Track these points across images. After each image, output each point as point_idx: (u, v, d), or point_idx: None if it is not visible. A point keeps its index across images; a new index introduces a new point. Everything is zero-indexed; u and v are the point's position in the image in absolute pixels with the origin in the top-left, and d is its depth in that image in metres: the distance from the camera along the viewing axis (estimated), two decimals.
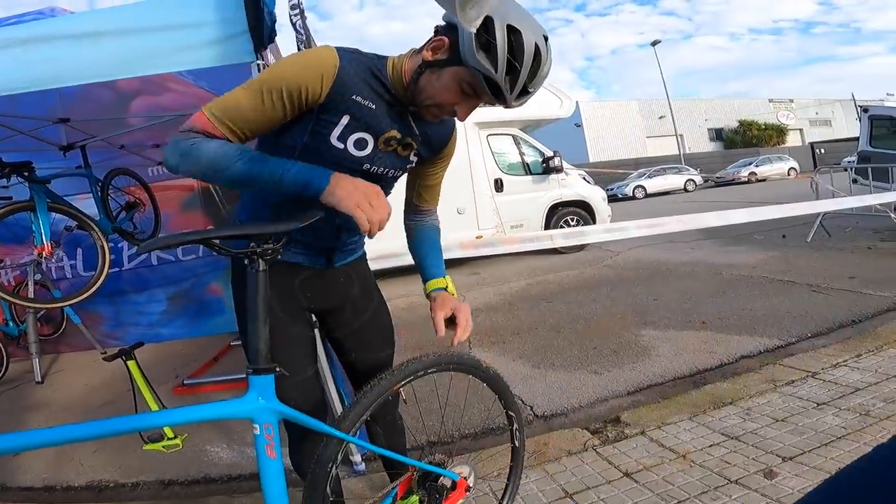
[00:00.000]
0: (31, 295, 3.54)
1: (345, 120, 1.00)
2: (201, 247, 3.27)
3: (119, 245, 3.25)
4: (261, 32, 1.55)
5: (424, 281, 1.29)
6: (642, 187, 21.29)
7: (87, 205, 2.81)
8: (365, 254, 1.34)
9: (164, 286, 3.31)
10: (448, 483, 1.25)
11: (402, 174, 1.19)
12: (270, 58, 1.80)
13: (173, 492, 2.16)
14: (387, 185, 1.16)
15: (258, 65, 1.62)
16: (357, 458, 1.98)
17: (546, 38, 0.96)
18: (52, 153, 2.73)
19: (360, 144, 1.03)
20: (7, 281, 4.04)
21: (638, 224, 3.57)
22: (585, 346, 3.27)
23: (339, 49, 0.98)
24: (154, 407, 2.35)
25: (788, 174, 21.58)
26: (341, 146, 1.02)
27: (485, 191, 6.78)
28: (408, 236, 1.35)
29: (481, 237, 6.64)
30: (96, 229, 2.64)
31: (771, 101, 37.87)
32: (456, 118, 1.06)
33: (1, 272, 3.93)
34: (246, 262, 0.92)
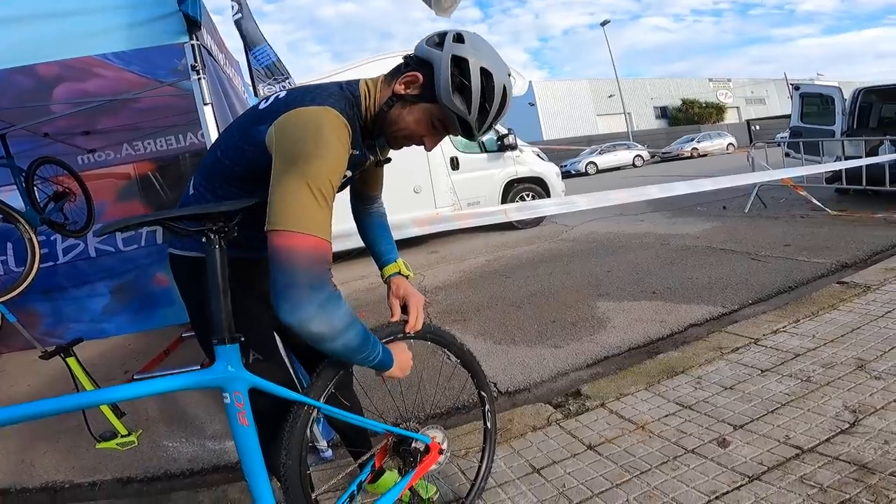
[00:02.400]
0: None
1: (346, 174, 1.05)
2: (143, 236, 3.01)
3: (52, 237, 2.95)
4: (195, 11, 1.48)
5: (380, 267, 1.34)
6: (594, 163, 21.78)
7: (11, 197, 2.51)
8: None
9: (106, 279, 3.04)
10: (421, 447, 1.25)
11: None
12: (207, 39, 1.69)
13: (133, 489, 2.05)
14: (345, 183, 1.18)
15: (193, 45, 1.54)
16: (323, 443, 1.91)
17: (509, 75, 1.04)
18: None
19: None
20: None
21: (587, 198, 3.64)
22: (545, 319, 3.30)
23: (337, 109, 0.94)
24: (105, 408, 2.18)
25: (727, 149, 22.63)
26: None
27: (441, 169, 6.68)
28: (357, 223, 1.37)
29: (439, 215, 6.60)
30: (22, 221, 2.37)
31: (711, 80, 39.44)
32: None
33: None
34: (203, 240, 0.92)
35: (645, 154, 22.07)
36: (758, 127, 27.91)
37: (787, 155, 7.12)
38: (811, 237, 4.58)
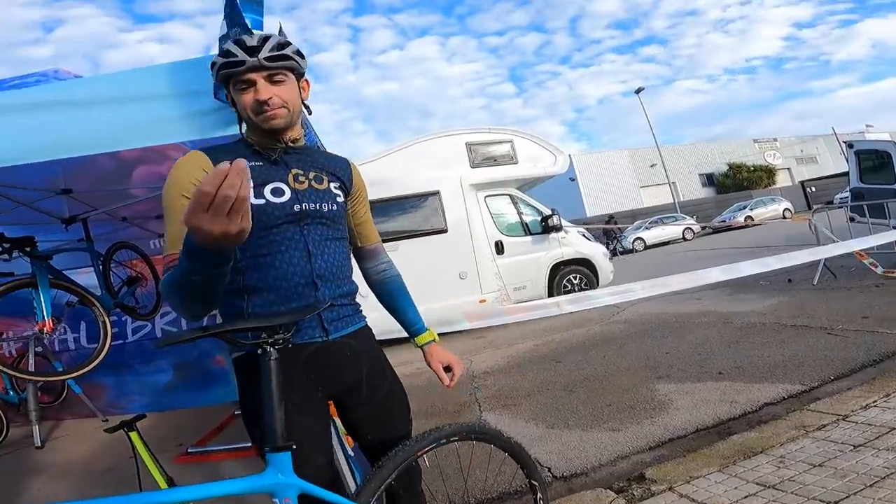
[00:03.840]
0: (31, 368, 3.62)
1: (265, 185, 1.15)
2: (205, 319, 3.30)
3: (123, 318, 3.30)
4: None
5: (412, 335, 1.43)
6: (641, 239, 21.60)
7: (88, 278, 2.86)
8: (368, 327, 1.32)
9: (169, 357, 3.33)
10: None
11: (338, 209, 1.24)
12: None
13: None
14: (332, 223, 1.22)
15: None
16: None
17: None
18: (54, 226, 2.81)
19: (278, 192, 1.15)
20: (8, 353, 4.11)
21: (644, 285, 3.65)
22: (599, 403, 3.22)
23: (203, 149, 1.16)
24: (159, 478, 2.29)
25: (784, 215, 22.06)
26: (263, 201, 1.12)
27: (486, 254, 6.83)
28: (374, 291, 1.43)
29: (485, 301, 6.68)
30: (98, 305, 2.68)
31: (756, 141, 39.15)
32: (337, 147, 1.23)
33: (2, 344, 3.98)
34: (259, 352, 1.00)
35: (695, 226, 21.81)
36: (814, 189, 27.33)
37: (852, 219, 6.90)
38: (890, 307, 4.34)
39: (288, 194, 1.16)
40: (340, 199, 1.25)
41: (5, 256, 2.71)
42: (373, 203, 5.97)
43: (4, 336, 4.09)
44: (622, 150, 36.45)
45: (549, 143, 7.51)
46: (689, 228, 22.04)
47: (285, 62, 1.14)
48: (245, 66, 1.10)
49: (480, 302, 6.65)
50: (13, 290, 2.74)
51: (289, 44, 1.16)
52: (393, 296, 1.40)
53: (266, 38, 1.13)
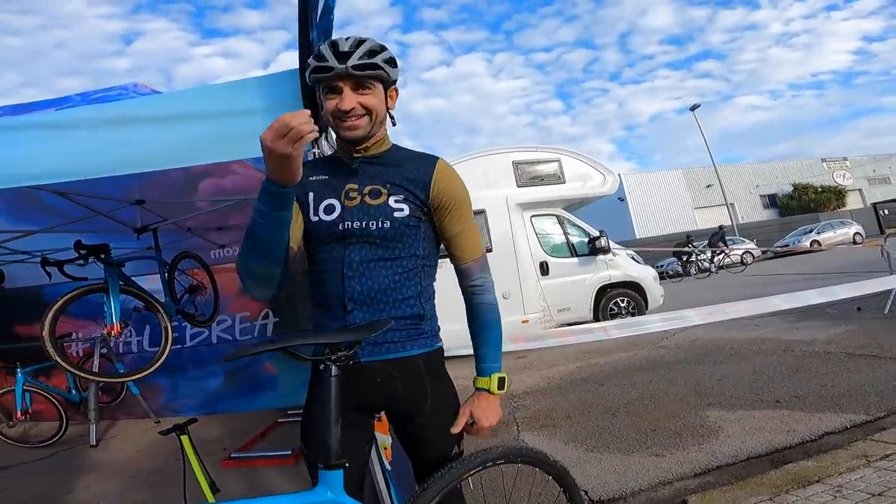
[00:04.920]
0: (95, 368, 3.90)
1: (310, 197, 1.20)
2: (256, 328, 3.53)
3: (183, 323, 3.55)
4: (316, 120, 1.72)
5: (476, 372, 1.31)
6: (672, 267, 20.82)
7: (153, 284, 3.12)
8: (426, 356, 1.23)
9: (222, 363, 3.56)
10: None
11: (396, 225, 1.17)
12: (325, 146, 1.89)
13: None
14: (384, 241, 1.17)
15: (314, 153, 1.70)
16: None
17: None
18: (127, 234, 3.09)
19: (329, 210, 1.18)
20: (76, 353, 4.45)
21: (699, 311, 3.54)
22: (643, 428, 3.16)
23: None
24: (204, 484, 2.41)
25: (854, 240, 20.62)
26: (317, 219, 1.18)
27: (530, 275, 6.82)
28: (466, 311, 1.31)
29: (528, 321, 6.64)
30: (162, 311, 2.92)
31: (824, 160, 37.01)
32: (436, 162, 1.23)
33: (71, 344, 4.33)
34: (321, 367, 1.03)
35: (755, 250, 20.76)
36: (886, 211, 25.43)
37: None
38: None
39: (337, 212, 1.17)
40: (402, 214, 1.17)
41: (81, 262, 3.01)
42: None
43: (73, 336, 4.45)
44: (675, 169, 35.37)
45: (598, 163, 7.44)
46: (749, 252, 21.01)
47: (374, 71, 1.12)
48: (333, 72, 1.10)
49: (523, 322, 6.63)
50: (87, 294, 3.03)
51: (382, 50, 1.15)
52: (474, 323, 1.29)
53: (360, 43, 1.13)
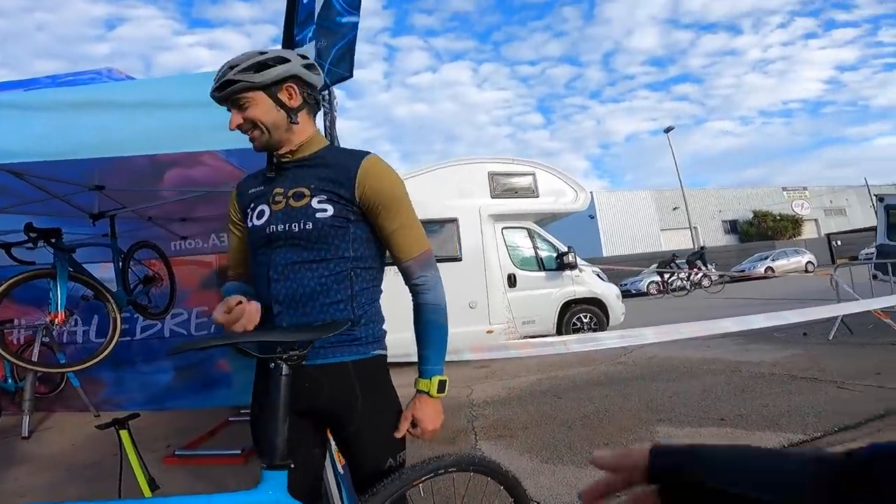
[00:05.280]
0: (34, 357, 3.73)
1: (250, 206, 1.25)
2: (213, 324, 3.43)
3: (134, 315, 3.43)
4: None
5: (418, 371, 1.26)
6: (656, 283, 21.50)
7: (107, 273, 3.02)
8: (355, 364, 1.18)
9: (173, 357, 3.45)
10: None
11: (320, 225, 1.15)
12: (320, 122, 1.98)
13: None
14: (309, 243, 1.15)
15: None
16: None
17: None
18: (82, 220, 2.98)
19: (260, 215, 1.21)
20: (16, 339, 4.25)
21: (655, 330, 3.67)
22: (597, 441, 3.25)
23: (239, 183, 1.32)
24: (141, 479, 2.34)
25: (806, 269, 21.77)
26: (251, 225, 1.22)
27: (498, 286, 6.90)
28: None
29: (492, 331, 6.72)
30: (112, 301, 2.82)
31: (785, 189, 38.75)
32: (365, 157, 1.22)
33: (12, 331, 4.11)
34: (271, 366, 1.02)
35: (712, 274, 21.60)
36: (839, 242, 26.92)
37: (875, 277, 6.88)
38: None
39: (265, 216, 1.19)
40: (325, 215, 1.14)
41: (30, 245, 2.88)
42: None
43: (15, 323, 4.23)
44: (645, 190, 36.41)
45: (572, 179, 7.58)
46: (707, 276, 21.81)
47: (233, 87, 1.13)
48: (216, 100, 1.18)
49: (487, 332, 6.70)
50: (32, 279, 2.90)
51: (246, 59, 1.14)
52: (417, 324, 1.24)
53: (224, 67, 1.15)
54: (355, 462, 1.23)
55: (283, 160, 1.22)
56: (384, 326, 1.29)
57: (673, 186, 33.20)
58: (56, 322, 2.96)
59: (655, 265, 20.39)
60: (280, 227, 1.16)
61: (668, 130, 30.08)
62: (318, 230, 1.14)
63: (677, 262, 20.23)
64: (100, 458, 3.26)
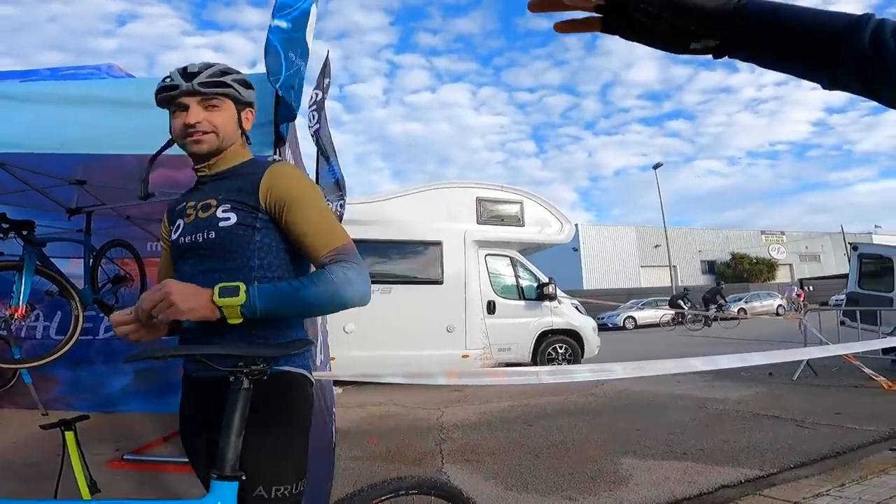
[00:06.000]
0: None
1: (174, 224, 1.25)
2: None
3: (99, 314, 3.36)
4: (281, 129, 1.69)
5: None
6: (633, 318, 21.84)
7: (76, 269, 2.97)
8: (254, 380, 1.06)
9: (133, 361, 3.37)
10: None
11: (222, 234, 1.13)
12: (288, 154, 1.91)
13: None
14: (213, 252, 1.14)
15: (273, 160, 1.65)
16: None
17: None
18: (58, 213, 2.95)
19: (177, 229, 1.22)
20: None
21: (625, 366, 3.72)
22: (562, 471, 3.27)
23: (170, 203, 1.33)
24: (82, 481, 2.25)
25: (777, 312, 22.32)
26: (171, 240, 1.25)
27: (476, 312, 6.92)
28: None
29: (468, 356, 6.71)
30: (76, 299, 2.77)
31: (763, 233, 39.96)
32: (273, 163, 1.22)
33: None
34: (231, 378, 1.00)
35: (687, 313, 22.01)
36: (811, 288, 27.64)
37: (843, 323, 7.07)
38: (864, 406, 4.56)
39: (179, 230, 1.21)
40: (228, 223, 1.12)
41: (0, 236, 2.84)
42: (374, 243, 5.95)
43: None
44: (629, 226, 37.16)
45: (559, 211, 7.69)
46: (681, 314, 22.21)
47: (222, 89, 1.16)
48: (178, 90, 1.14)
49: (463, 356, 6.70)
50: None
51: (234, 73, 1.21)
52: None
53: (210, 66, 1.18)
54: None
55: (201, 174, 1.23)
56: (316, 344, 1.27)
57: (656, 223, 33.74)
58: (16, 316, 2.89)
59: (670, 298, 20.71)
60: (188, 239, 1.17)
61: (656, 167, 30.70)
62: (220, 238, 1.13)
63: (688, 296, 20.50)
64: (41, 459, 3.13)
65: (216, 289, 1.02)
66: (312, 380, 1.25)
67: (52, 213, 2.97)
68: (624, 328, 21.36)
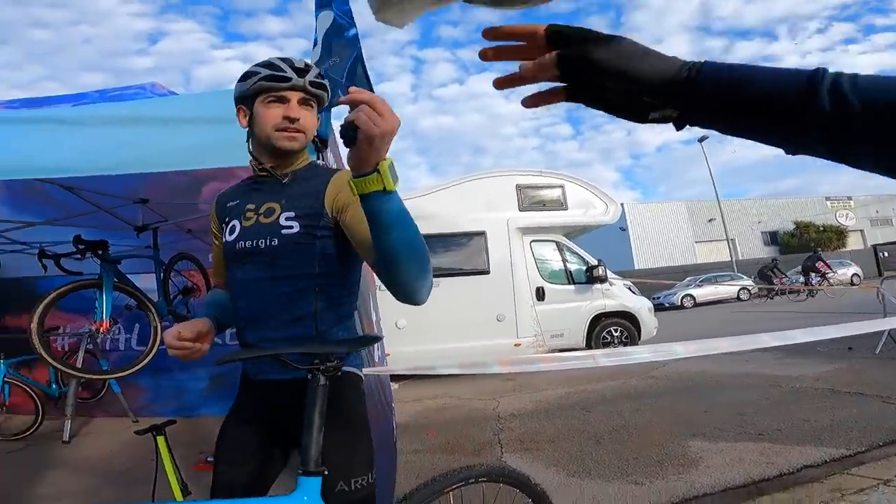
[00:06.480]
0: (79, 364, 3.90)
1: (226, 221, 1.24)
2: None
3: (173, 324, 3.59)
4: (325, 130, 1.70)
5: None
6: (691, 296, 20.92)
7: (148, 284, 3.18)
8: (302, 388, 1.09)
9: (208, 366, 3.57)
10: None
11: (285, 241, 1.14)
12: (330, 157, 1.95)
13: None
14: (274, 259, 1.15)
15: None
16: None
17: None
18: (127, 232, 3.15)
19: (232, 231, 1.20)
20: (61, 346, 4.46)
21: (687, 346, 3.60)
22: (626, 456, 3.20)
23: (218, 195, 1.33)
24: (175, 483, 2.40)
25: (852, 281, 20.71)
26: (225, 241, 1.22)
27: (526, 300, 6.87)
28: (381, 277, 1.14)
29: (520, 344, 6.70)
30: (153, 311, 2.97)
31: (828, 199, 37.22)
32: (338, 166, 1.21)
33: (57, 338, 4.34)
34: (309, 376, 1.04)
35: (752, 287, 20.86)
36: (886, 254, 25.54)
37: None
38: None
39: (236, 233, 1.19)
40: (291, 232, 1.13)
41: (78, 256, 3.08)
42: None
43: (61, 330, 4.46)
44: (679, 201, 35.57)
45: (602, 191, 7.52)
46: (745, 288, 21.11)
47: (323, 91, 1.19)
48: (289, 83, 1.13)
49: (515, 345, 6.68)
50: (80, 289, 3.08)
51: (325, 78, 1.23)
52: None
53: (309, 65, 1.19)
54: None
55: (261, 175, 1.22)
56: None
57: (708, 198, 32.31)
58: (101, 330, 3.12)
59: (757, 272, 19.62)
60: (248, 244, 1.16)
61: (701, 140, 29.23)
62: (282, 247, 1.13)
63: (779, 266, 19.41)
64: (135, 464, 3.36)
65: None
66: (362, 376, 1.28)
67: (121, 231, 3.16)
68: (682, 307, 20.52)
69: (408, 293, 1.02)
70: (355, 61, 1.80)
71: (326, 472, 1.02)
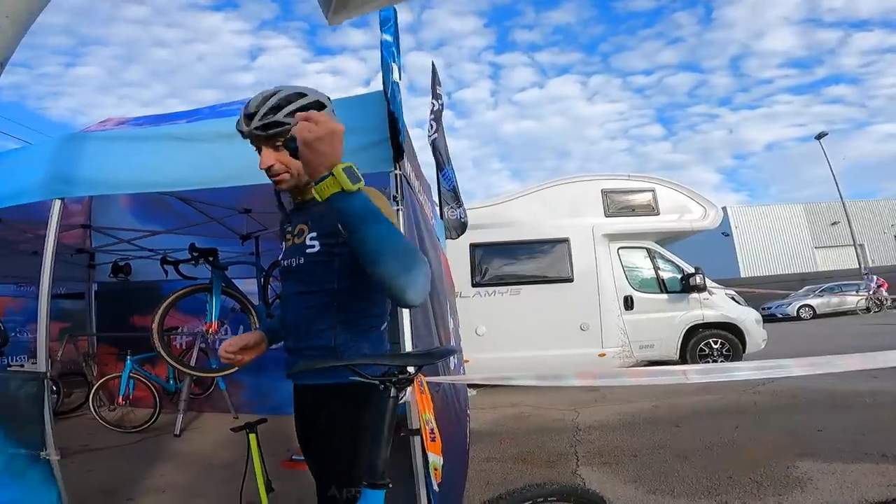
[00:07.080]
0: (192, 363, 4.33)
1: (282, 243, 1.35)
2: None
3: None
4: (398, 143, 1.77)
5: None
6: (809, 306, 18.70)
7: (249, 288, 3.52)
8: (330, 388, 1.23)
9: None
10: None
11: (309, 260, 1.22)
12: (407, 167, 1.99)
13: None
14: (305, 275, 1.24)
15: (396, 174, 1.78)
16: None
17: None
18: (233, 239, 3.52)
19: (281, 250, 1.34)
20: (179, 345, 4.97)
21: (801, 362, 3.27)
22: (718, 474, 2.97)
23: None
24: (261, 482, 2.47)
25: None
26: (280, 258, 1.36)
27: (612, 309, 6.61)
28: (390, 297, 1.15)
29: (604, 355, 6.44)
30: (254, 314, 3.29)
31: None
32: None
33: (176, 337, 4.92)
34: (381, 387, 1.05)
35: (886, 299, 18.18)
36: None
37: None
38: None
39: (282, 252, 1.33)
40: (313, 250, 1.22)
41: (193, 262, 3.50)
42: (499, 245, 6.10)
43: (180, 330, 5.03)
44: (795, 203, 32.17)
45: (698, 195, 7.10)
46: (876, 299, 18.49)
47: (276, 129, 1.14)
48: (243, 135, 1.19)
49: (599, 356, 6.44)
50: (195, 292, 3.52)
51: (290, 102, 1.15)
52: None
53: (268, 98, 1.15)
54: (318, 482, 1.28)
55: (296, 199, 1.33)
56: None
57: (829, 198, 28.89)
58: (210, 331, 3.51)
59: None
60: (286, 263, 1.29)
61: (820, 137, 26.25)
62: (308, 264, 1.23)
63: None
64: (233, 460, 3.48)
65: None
66: (380, 387, 1.20)
67: (227, 239, 3.54)
68: (798, 318, 18.40)
69: (394, 293, 0.99)
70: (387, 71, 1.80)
71: (391, 486, 1.02)
